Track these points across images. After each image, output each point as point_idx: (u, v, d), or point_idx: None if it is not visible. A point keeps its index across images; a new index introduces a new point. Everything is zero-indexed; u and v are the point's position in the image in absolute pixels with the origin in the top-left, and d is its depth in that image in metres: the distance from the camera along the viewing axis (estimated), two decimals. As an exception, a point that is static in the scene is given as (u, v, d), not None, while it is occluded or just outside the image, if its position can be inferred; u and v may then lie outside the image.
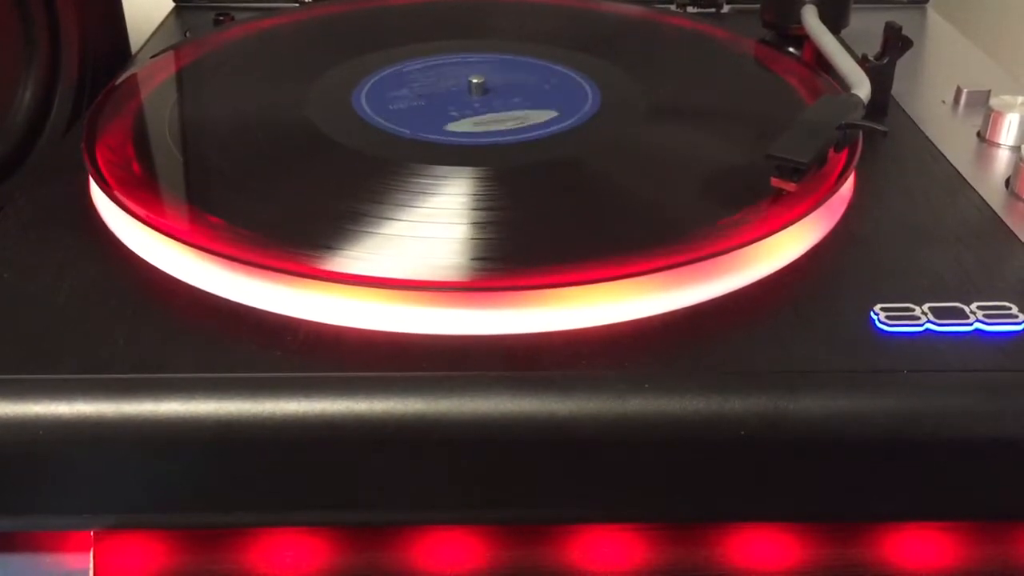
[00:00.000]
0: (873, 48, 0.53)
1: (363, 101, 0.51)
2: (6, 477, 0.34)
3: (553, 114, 0.49)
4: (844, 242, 0.41)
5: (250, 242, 0.39)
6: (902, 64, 0.53)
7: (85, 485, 0.34)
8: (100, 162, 0.44)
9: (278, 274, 0.37)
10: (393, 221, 0.40)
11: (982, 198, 0.45)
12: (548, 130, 0.48)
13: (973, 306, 0.37)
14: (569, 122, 0.49)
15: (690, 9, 0.69)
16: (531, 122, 0.48)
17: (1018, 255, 0.40)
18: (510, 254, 0.39)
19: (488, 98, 0.51)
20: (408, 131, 0.48)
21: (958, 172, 0.47)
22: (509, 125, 0.48)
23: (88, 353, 0.35)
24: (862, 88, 0.47)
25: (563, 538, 0.37)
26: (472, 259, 0.38)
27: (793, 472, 0.34)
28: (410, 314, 0.36)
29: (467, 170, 0.44)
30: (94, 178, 0.43)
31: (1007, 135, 0.49)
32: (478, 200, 0.42)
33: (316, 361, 0.34)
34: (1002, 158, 0.48)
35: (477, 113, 0.49)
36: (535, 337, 0.36)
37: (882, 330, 0.36)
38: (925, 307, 0.37)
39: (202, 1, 0.70)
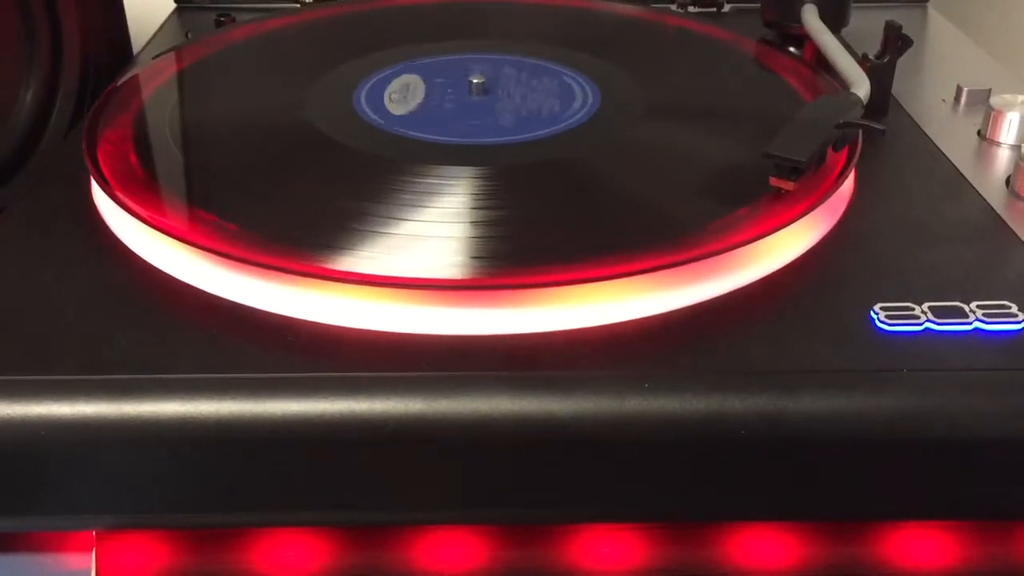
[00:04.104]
0: (874, 47, 0.53)
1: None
2: (8, 478, 0.34)
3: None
4: (844, 241, 0.42)
5: (251, 242, 0.39)
6: (902, 63, 0.53)
7: (87, 485, 0.34)
8: (101, 163, 0.44)
9: (279, 274, 0.37)
10: (394, 220, 0.40)
11: (982, 197, 0.45)
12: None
13: (973, 305, 0.37)
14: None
15: (691, 8, 0.69)
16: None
17: (1018, 254, 0.40)
18: (510, 253, 0.39)
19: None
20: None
21: (958, 171, 0.47)
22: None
23: (89, 354, 0.35)
24: (861, 87, 0.47)
25: (563, 538, 0.37)
26: (472, 258, 0.38)
27: (793, 471, 0.34)
28: (410, 313, 0.36)
29: (467, 169, 0.44)
30: (95, 179, 0.43)
31: (1007, 134, 0.49)
32: (478, 199, 0.42)
33: (317, 361, 0.34)
34: (1002, 157, 0.48)
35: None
36: (535, 337, 0.36)
37: (882, 329, 0.36)
38: (925, 306, 0.37)
39: (203, 2, 0.70)
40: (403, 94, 0.50)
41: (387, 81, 0.53)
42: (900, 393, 0.34)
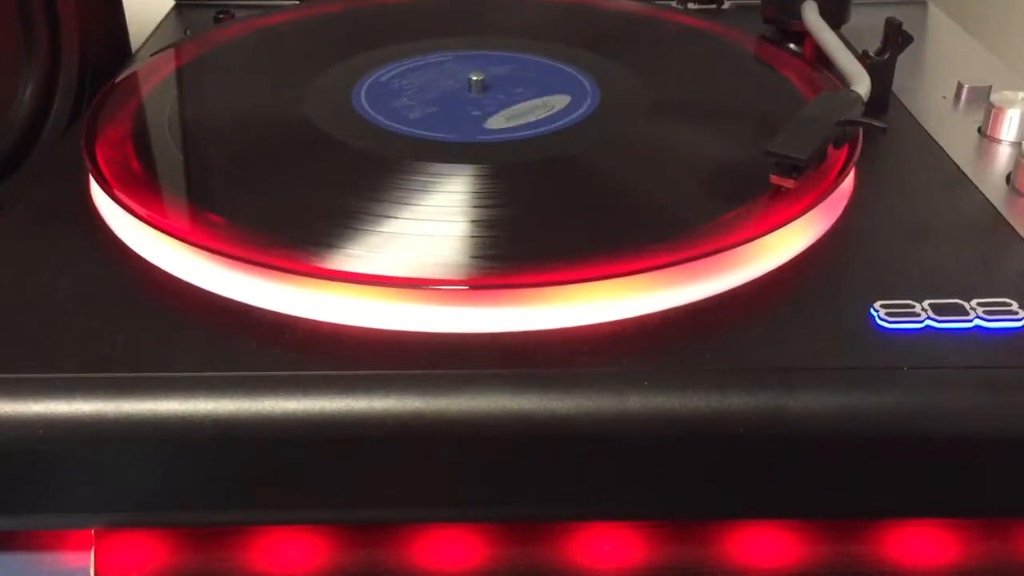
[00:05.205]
0: (874, 44, 0.53)
1: (363, 99, 0.51)
2: (6, 476, 0.34)
3: (568, 98, 0.49)
4: (844, 239, 0.41)
5: (249, 240, 0.39)
6: (903, 60, 0.53)
7: (85, 484, 0.34)
8: (100, 160, 0.44)
9: (277, 272, 0.37)
10: (392, 219, 0.40)
11: (983, 194, 0.45)
12: (547, 127, 0.48)
13: (973, 303, 0.37)
14: (568, 119, 0.48)
15: (691, 5, 0.69)
16: (556, 108, 0.49)
17: (1018, 251, 0.40)
18: (509, 252, 0.39)
19: (488, 95, 0.51)
20: (407, 129, 0.48)
21: (959, 168, 0.47)
22: (539, 115, 0.48)
23: (88, 352, 0.35)
24: (862, 84, 0.47)
25: (563, 536, 0.37)
26: (471, 256, 0.38)
27: (793, 469, 0.34)
28: (409, 312, 0.36)
29: (465, 168, 0.44)
30: (94, 176, 0.43)
31: (1008, 131, 0.49)
32: (477, 197, 0.42)
33: (315, 359, 0.34)
34: (1003, 154, 0.48)
35: (487, 110, 0.49)
36: (534, 335, 0.35)
37: (882, 327, 0.36)
38: (925, 304, 0.37)
39: (202, -1, 0.70)
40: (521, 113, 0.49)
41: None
42: (900, 391, 0.34)
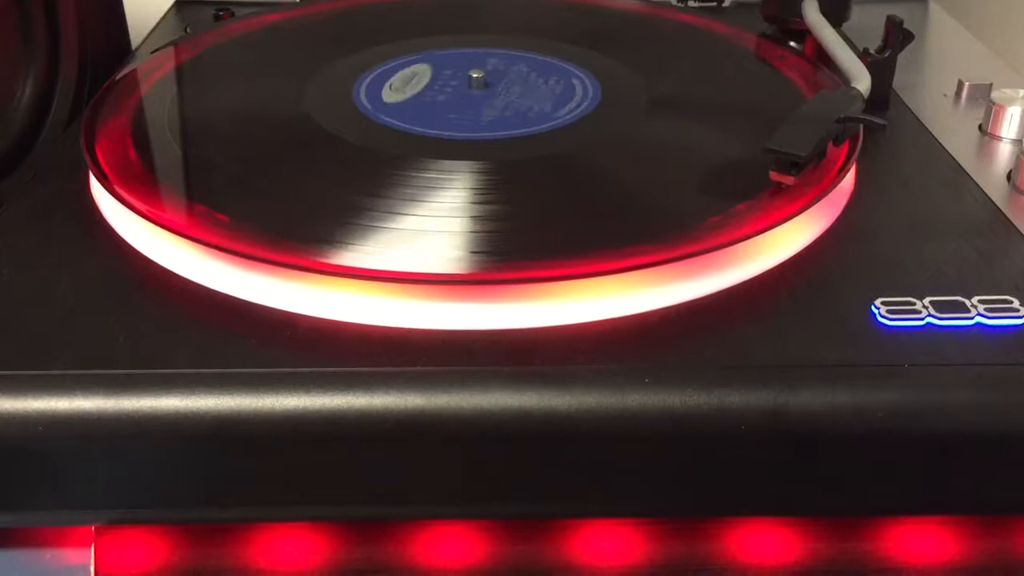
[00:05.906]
0: (875, 42, 0.53)
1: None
2: (6, 473, 0.34)
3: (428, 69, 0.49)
4: (845, 236, 0.41)
5: (250, 237, 0.39)
6: (904, 57, 0.53)
7: (85, 480, 0.34)
8: (100, 157, 0.44)
9: (277, 268, 0.37)
10: (392, 215, 0.40)
11: (983, 191, 0.45)
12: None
13: (974, 300, 0.37)
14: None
15: (691, 3, 0.69)
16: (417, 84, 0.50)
17: (1019, 248, 0.40)
18: (510, 248, 0.39)
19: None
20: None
21: (959, 165, 0.47)
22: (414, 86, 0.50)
23: (88, 348, 0.35)
24: (862, 81, 0.47)
25: (563, 533, 0.37)
26: (472, 252, 0.38)
27: (794, 466, 0.34)
28: (409, 308, 0.36)
29: (467, 164, 0.44)
30: (94, 173, 0.43)
31: (1009, 128, 0.49)
32: (478, 194, 0.42)
33: (315, 356, 0.34)
34: (1003, 151, 0.48)
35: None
36: (535, 331, 0.35)
37: (883, 324, 0.36)
38: (926, 301, 0.37)
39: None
40: (405, 82, 0.49)
41: (386, 76, 0.53)
42: (901, 388, 0.34)
